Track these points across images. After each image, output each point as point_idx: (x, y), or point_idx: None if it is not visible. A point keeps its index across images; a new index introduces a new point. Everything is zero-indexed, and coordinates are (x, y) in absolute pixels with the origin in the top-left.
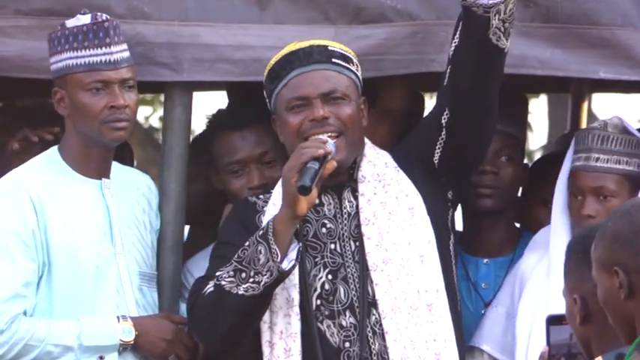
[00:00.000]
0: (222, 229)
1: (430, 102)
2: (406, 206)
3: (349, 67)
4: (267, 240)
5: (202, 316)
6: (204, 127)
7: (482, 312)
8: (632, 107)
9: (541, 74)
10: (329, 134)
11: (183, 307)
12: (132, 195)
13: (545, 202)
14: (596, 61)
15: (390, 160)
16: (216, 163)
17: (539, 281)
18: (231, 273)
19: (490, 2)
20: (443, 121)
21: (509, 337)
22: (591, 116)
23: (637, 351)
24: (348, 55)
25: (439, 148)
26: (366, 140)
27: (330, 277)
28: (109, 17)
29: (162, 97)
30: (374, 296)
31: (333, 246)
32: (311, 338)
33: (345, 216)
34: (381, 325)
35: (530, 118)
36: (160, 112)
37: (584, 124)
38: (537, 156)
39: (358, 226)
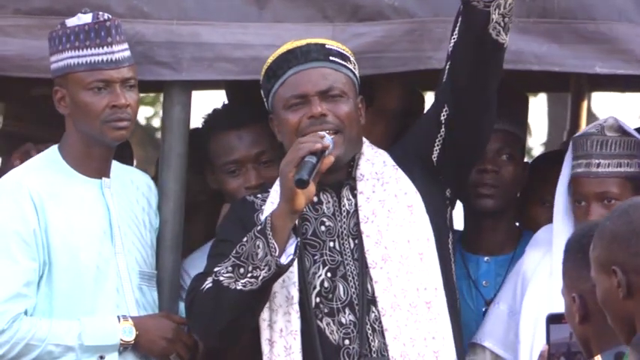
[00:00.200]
0: (221, 227)
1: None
2: (405, 204)
3: (346, 65)
4: (266, 235)
5: (201, 312)
6: (198, 126)
7: (483, 310)
8: (632, 106)
9: (537, 69)
10: (327, 131)
11: (182, 307)
12: (132, 194)
13: (544, 201)
14: (593, 56)
15: (389, 159)
16: (213, 162)
17: (542, 280)
18: (230, 268)
19: None
20: (442, 118)
21: (511, 333)
22: (591, 115)
23: (633, 350)
24: (346, 53)
25: (438, 146)
26: (364, 139)
27: (329, 274)
28: (110, 16)
29: (162, 97)
30: (373, 294)
31: (332, 244)
32: (311, 336)
33: (344, 214)
34: (380, 322)
35: (530, 118)
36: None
37: (583, 123)
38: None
39: (357, 223)
